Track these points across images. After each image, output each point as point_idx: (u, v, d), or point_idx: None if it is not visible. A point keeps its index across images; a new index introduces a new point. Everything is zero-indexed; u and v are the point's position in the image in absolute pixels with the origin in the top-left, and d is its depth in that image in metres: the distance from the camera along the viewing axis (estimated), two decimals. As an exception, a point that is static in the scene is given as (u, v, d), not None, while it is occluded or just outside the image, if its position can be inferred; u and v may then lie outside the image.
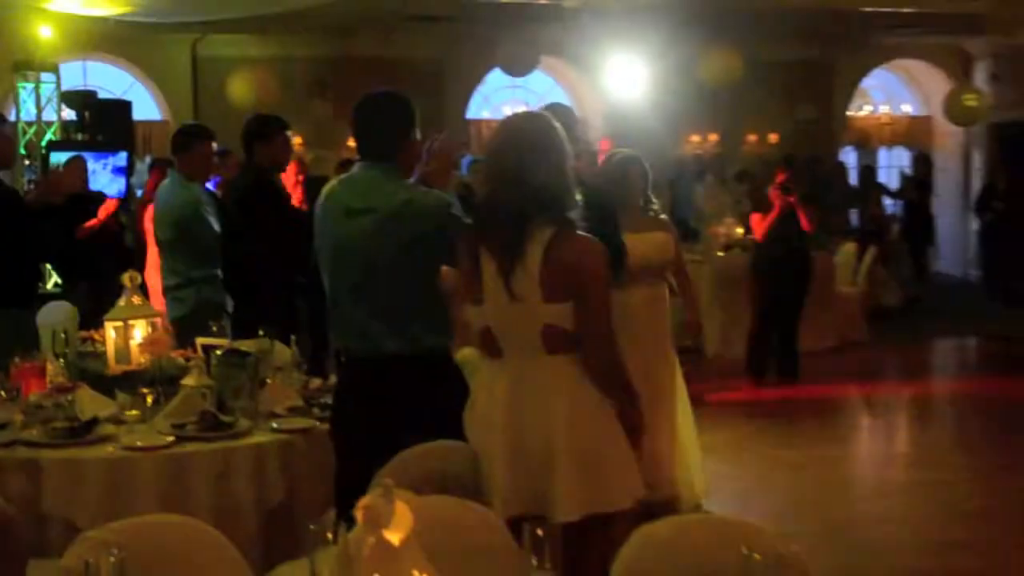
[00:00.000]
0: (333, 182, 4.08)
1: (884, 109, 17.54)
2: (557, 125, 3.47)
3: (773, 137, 15.51)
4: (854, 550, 5.60)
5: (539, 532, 2.24)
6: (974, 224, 16.49)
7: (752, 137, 15.44)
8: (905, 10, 13.51)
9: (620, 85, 13.32)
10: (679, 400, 5.99)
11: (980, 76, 16.51)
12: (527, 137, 3.42)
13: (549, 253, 3.27)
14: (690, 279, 6.37)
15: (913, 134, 17.42)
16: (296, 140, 11.19)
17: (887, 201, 15.81)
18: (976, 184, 16.61)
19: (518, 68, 13.31)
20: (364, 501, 1.86)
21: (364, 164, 3.93)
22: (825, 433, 8.13)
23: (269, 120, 6.27)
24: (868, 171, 16.05)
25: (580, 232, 3.35)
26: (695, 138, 15.29)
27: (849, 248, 12.19)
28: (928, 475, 7.14)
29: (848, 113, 16.69)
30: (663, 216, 6.18)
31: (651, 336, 5.79)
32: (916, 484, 6.97)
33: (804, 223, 9.70)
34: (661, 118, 13.18)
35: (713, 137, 15.32)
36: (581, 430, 3.28)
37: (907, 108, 17.76)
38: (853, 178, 16.27)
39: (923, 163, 16.22)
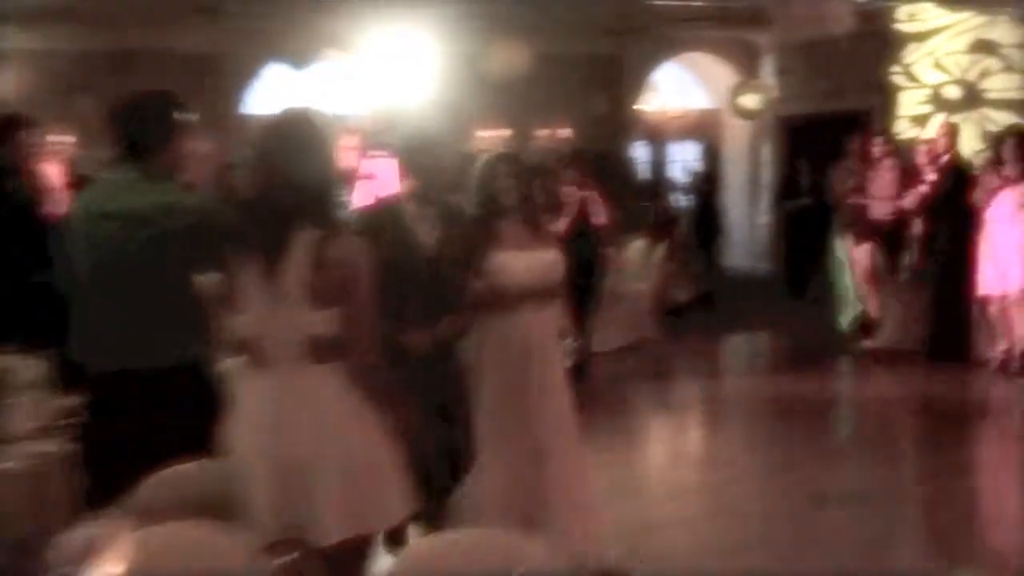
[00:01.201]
0: (91, 185, 3.97)
1: (674, 103, 18.01)
2: (324, 123, 3.44)
3: (564, 132, 15.72)
4: (644, 555, 5.70)
5: (296, 555, 2.20)
6: (763, 218, 17.12)
7: (543, 132, 15.62)
8: (694, 3, 13.92)
9: (405, 78, 13.30)
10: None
11: (767, 70, 17.11)
12: (294, 135, 3.38)
13: (315, 257, 3.24)
14: (589, 302, 6.01)
15: (703, 128, 17.91)
16: (63, 139, 10.79)
17: (677, 196, 16.28)
18: (766, 177, 17.23)
19: (298, 61, 13.14)
20: (86, 532, 1.79)
21: (122, 165, 3.82)
22: (616, 435, 8.27)
23: (1, 121, 6.00)
24: (659, 165, 16.49)
25: (348, 233, 3.33)
26: (485, 134, 15.37)
27: (639, 244, 12.46)
28: (717, 476, 7.35)
29: (638, 107, 17.05)
30: (547, 228, 5.60)
31: (543, 367, 5.22)
32: (705, 485, 7.17)
33: (599, 220, 9.91)
34: (449, 113, 13.22)
35: (503, 132, 15.44)
36: (346, 445, 3.25)
37: (697, 102, 18.27)
38: (645, 173, 16.69)
39: (711, 157, 16.72)
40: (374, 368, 3.32)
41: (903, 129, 14.58)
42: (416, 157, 4.72)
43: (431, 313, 4.63)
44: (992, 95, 13.79)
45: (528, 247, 5.17)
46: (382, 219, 4.74)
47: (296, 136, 3.36)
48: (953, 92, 14.11)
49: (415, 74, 13.22)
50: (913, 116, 14.61)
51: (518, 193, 5.18)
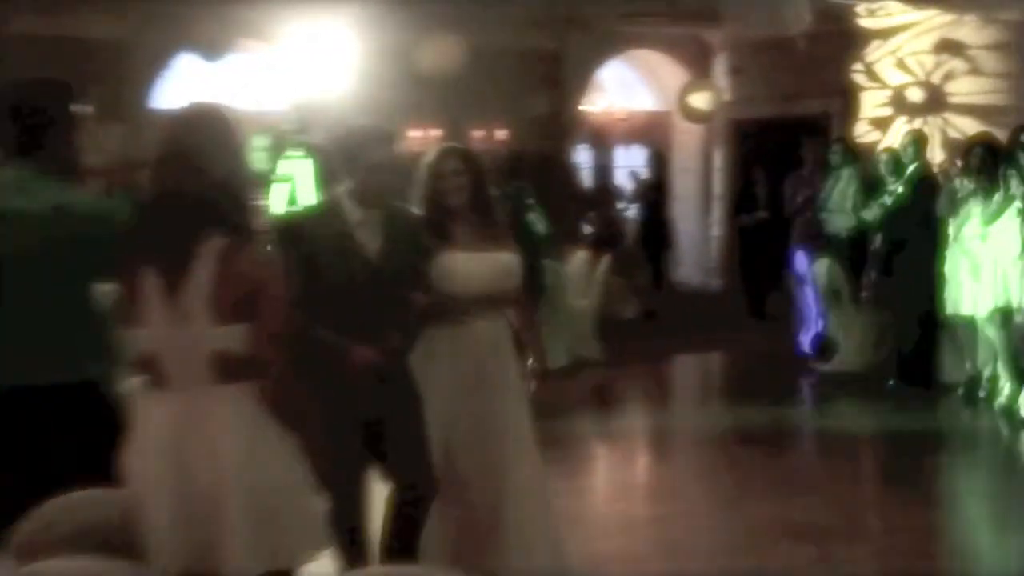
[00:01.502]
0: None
1: (620, 104, 18.08)
2: (236, 119, 3.41)
3: (502, 133, 15.73)
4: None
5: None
6: (715, 229, 17.23)
7: (478, 133, 15.61)
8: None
9: (327, 73, 13.24)
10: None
11: (720, 69, 17.23)
12: (201, 131, 3.34)
13: (221, 267, 3.22)
14: (534, 315, 5.80)
15: (651, 131, 17.98)
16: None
17: (623, 205, 16.34)
18: (718, 185, 17.35)
19: (211, 52, 13.03)
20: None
21: (10, 162, 3.76)
22: (555, 465, 8.21)
23: None
24: (604, 171, 16.54)
25: (259, 243, 3.30)
26: (415, 133, 15.33)
27: (582, 256, 12.49)
28: (665, 509, 7.37)
29: (581, 108, 17.10)
30: (504, 229, 5.42)
31: (498, 384, 5.15)
32: (652, 519, 7.18)
33: (537, 230, 9.95)
34: (375, 110, 13.17)
35: (435, 132, 15.41)
36: (256, 472, 3.22)
37: (644, 103, 18.35)
38: (588, 179, 16.75)
39: (659, 163, 16.78)
40: (287, 389, 3.28)
41: (863, 132, 14.76)
42: (352, 155, 4.67)
43: (376, 326, 4.59)
44: (956, 99, 14.00)
45: (479, 248, 5.10)
46: (318, 223, 4.70)
47: (203, 133, 3.32)
48: (916, 95, 14.31)
49: (337, 69, 13.17)
50: (873, 119, 14.79)
51: (469, 191, 5.12)
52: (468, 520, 5.05)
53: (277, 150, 9.09)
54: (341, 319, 4.51)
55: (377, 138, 4.72)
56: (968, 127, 13.24)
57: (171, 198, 3.29)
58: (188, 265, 3.22)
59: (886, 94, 14.64)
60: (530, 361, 5.39)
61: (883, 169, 11.04)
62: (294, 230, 4.74)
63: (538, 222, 10.25)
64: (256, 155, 8.25)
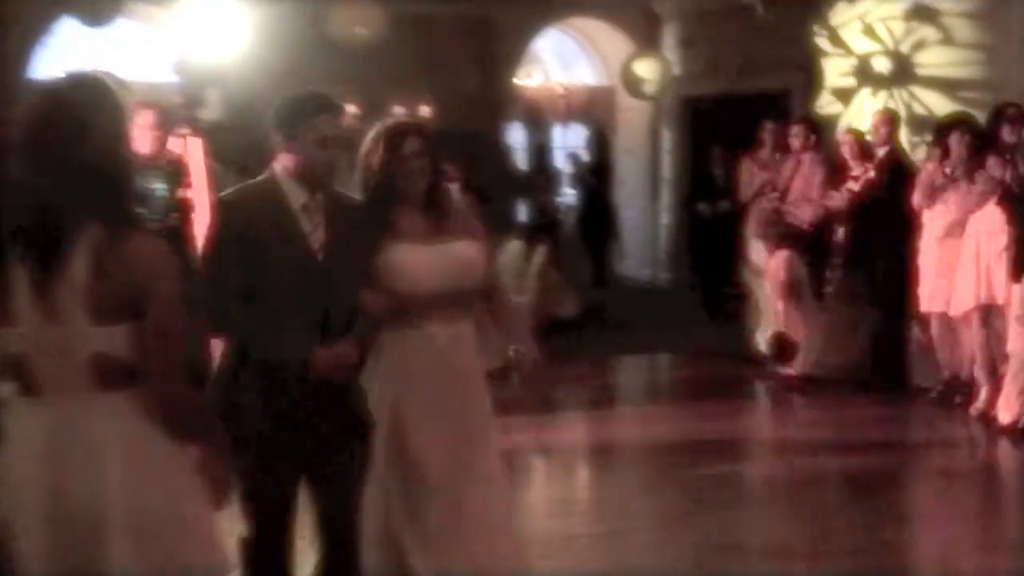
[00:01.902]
0: None
1: (559, 78, 18.10)
2: (118, 92, 3.36)
3: (426, 109, 15.69)
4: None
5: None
6: (664, 217, 17.28)
7: (399, 109, 15.56)
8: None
9: (229, 41, 13.10)
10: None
11: (669, 41, 17.27)
12: (77, 106, 3.29)
13: (99, 259, 3.19)
14: (507, 304, 5.62)
15: (593, 108, 18.04)
16: None
17: (562, 190, 16.36)
18: (666, 169, 17.40)
19: (96, 16, 12.90)
20: None
21: None
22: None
23: None
24: (540, 152, 16.54)
25: (145, 232, 3.25)
26: (328, 110, 15.28)
27: (515, 247, 12.47)
28: (608, 526, 7.38)
29: (516, 81, 17.10)
30: (467, 215, 5.28)
31: (462, 390, 5.06)
32: (595, 537, 7.19)
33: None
34: (281, 84, 13.06)
35: (351, 108, 15.34)
36: (141, 488, 3.19)
37: (585, 77, 18.38)
38: (523, 160, 16.74)
39: (602, 143, 16.80)
40: (180, 397, 3.23)
41: (824, 103, 14.84)
42: (292, 127, 4.48)
43: (323, 330, 4.48)
44: (925, 71, 14.13)
45: (434, 239, 4.97)
46: (254, 207, 4.52)
47: (80, 106, 3.27)
48: (882, 64, 14.44)
49: (236, 38, 13.03)
50: (835, 89, 14.89)
51: (428, 175, 4.97)
52: (430, 518, 4.95)
53: (165, 127, 8.92)
54: (282, 320, 4.40)
55: (323, 108, 4.52)
56: (935, 102, 13.38)
57: (40, 182, 3.23)
58: (62, 256, 3.17)
59: (851, 62, 14.73)
60: (513, 349, 5.43)
61: (849, 152, 11.08)
62: (227, 214, 4.56)
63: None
64: (141, 133, 8.13)
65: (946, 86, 13.81)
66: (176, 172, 8.70)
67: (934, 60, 14.10)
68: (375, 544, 4.81)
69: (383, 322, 4.81)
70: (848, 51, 14.76)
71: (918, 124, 12.99)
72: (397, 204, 4.93)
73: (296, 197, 4.51)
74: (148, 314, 3.19)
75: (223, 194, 4.75)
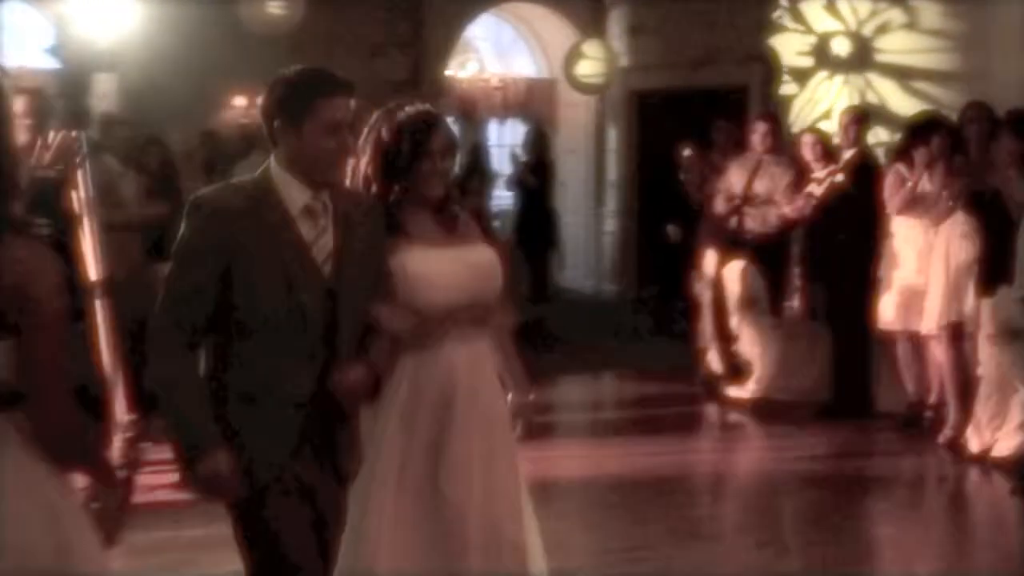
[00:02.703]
0: None
1: (495, 69, 18.08)
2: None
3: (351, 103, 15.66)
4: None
5: None
6: (609, 224, 17.29)
7: (319, 102, 15.55)
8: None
9: (119, 22, 13.00)
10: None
11: (616, 30, 17.30)
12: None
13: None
14: (507, 329, 5.14)
15: (532, 103, 18.00)
16: None
17: (498, 192, 16.33)
18: (612, 170, 17.39)
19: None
20: None
21: None
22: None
23: None
24: (474, 151, 16.49)
25: (29, 237, 3.22)
26: (239, 102, 15.20)
27: (445, 256, 12.41)
28: (547, 563, 7.38)
29: (447, 72, 17.07)
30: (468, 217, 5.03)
31: (484, 415, 4.76)
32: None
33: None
34: (188, 74, 13.01)
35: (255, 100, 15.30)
36: (22, 522, 3.16)
37: (525, 69, 18.36)
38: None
39: (541, 141, 16.78)
40: (64, 421, 3.24)
41: (781, 85, 14.95)
42: (294, 112, 4.17)
43: (334, 355, 4.26)
44: (885, 57, 14.25)
45: (448, 243, 4.76)
46: (244, 210, 4.19)
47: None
48: (842, 46, 14.54)
49: (130, 18, 12.93)
50: (792, 68, 14.98)
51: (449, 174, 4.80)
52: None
53: (40, 117, 8.79)
54: (277, 348, 4.16)
55: (333, 87, 4.22)
56: (891, 92, 13.49)
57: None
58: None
59: (809, 41, 14.83)
60: (512, 403, 4.99)
61: (811, 153, 11.11)
62: (202, 219, 4.17)
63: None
64: (19, 124, 8.01)
65: (906, 75, 13.94)
66: (58, 172, 8.58)
67: (896, 46, 14.23)
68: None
69: (398, 341, 4.57)
70: (808, 29, 14.87)
71: (872, 115, 13.07)
72: (408, 204, 4.71)
73: (296, 198, 4.22)
74: (31, 330, 3.16)
75: (199, 193, 4.29)
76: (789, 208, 11.08)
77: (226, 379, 4.19)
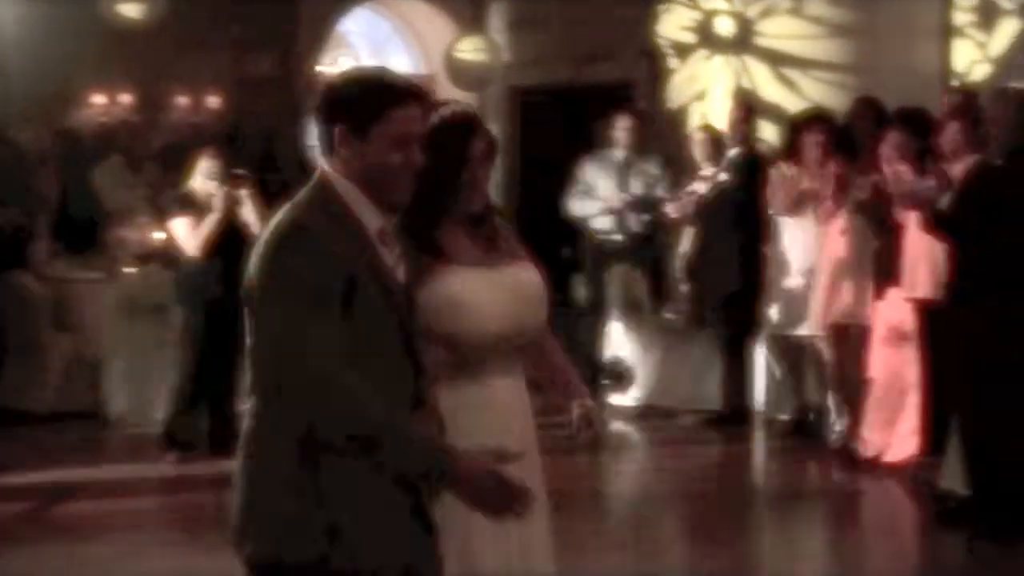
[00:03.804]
0: None
1: (370, 64, 18.06)
2: None
3: (214, 99, 15.53)
4: None
5: None
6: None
7: (183, 99, 15.38)
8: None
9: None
10: None
11: (497, 23, 17.32)
12: None
13: None
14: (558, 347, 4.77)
15: (410, 100, 18.01)
16: None
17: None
18: (494, 170, 17.40)
19: None
20: None
21: None
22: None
23: None
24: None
25: None
26: (98, 99, 15.03)
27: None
28: None
29: (320, 68, 17.01)
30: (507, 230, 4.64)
31: (526, 457, 4.29)
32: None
33: (252, 227, 9.86)
34: (41, 69, 12.84)
35: (125, 98, 15.12)
36: None
37: (402, 64, 18.35)
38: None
39: (419, 141, 16.79)
40: None
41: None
42: (362, 122, 3.76)
43: (417, 397, 3.86)
44: (765, 42, 14.39)
45: (489, 263, 4.40)
46: (337, 233, 3.71)
47: None
48: (725, 26, 14.67)
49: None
50: (673, 42, 15.10)
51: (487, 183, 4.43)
52: None
53: None
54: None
55: (408, 95, 3.81)
56: (767, 80, 13.63)
57: None
58: None
59: (693, 16, 14.95)
60: (578, 407, 4.55)
61: (700, 152, 11.16)
62: (318, 249, 3.64)
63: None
64: None
65: (779, 62, 14.07)
66: None
67: (780, 31, 14.36)
68: None
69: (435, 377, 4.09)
70: (693, 4, 14.98)
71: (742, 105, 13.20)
72: (443, 219, 4.34)
73: (370, 219, 3.77)
74: None
75: (295, 218, 3.70)
76: (672, 207, 11.11)
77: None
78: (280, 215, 3.72)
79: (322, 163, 3.81)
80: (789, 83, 13.46)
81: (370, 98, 3.77)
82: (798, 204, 10.00)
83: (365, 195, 3.75)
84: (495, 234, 4.46)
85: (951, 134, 8.64)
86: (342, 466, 3.63)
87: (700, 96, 14.59)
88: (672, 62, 14.94)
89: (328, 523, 3.63)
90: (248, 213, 9.95)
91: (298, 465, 3.65)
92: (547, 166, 13.87)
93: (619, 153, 11.68)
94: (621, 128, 11.72)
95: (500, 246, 4.45)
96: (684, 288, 11.18)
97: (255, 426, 3.77)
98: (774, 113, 13.00)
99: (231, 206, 9.86)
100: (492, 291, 4.32)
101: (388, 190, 3.78)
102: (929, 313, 8.81)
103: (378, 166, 3.75)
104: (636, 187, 11.45)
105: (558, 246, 12.52)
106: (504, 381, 4.42)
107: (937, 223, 8.28)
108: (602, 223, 11.53)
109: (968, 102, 9.71)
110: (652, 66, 15.45)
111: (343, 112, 3.76)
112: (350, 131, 3.73)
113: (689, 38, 14.91)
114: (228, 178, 10.04)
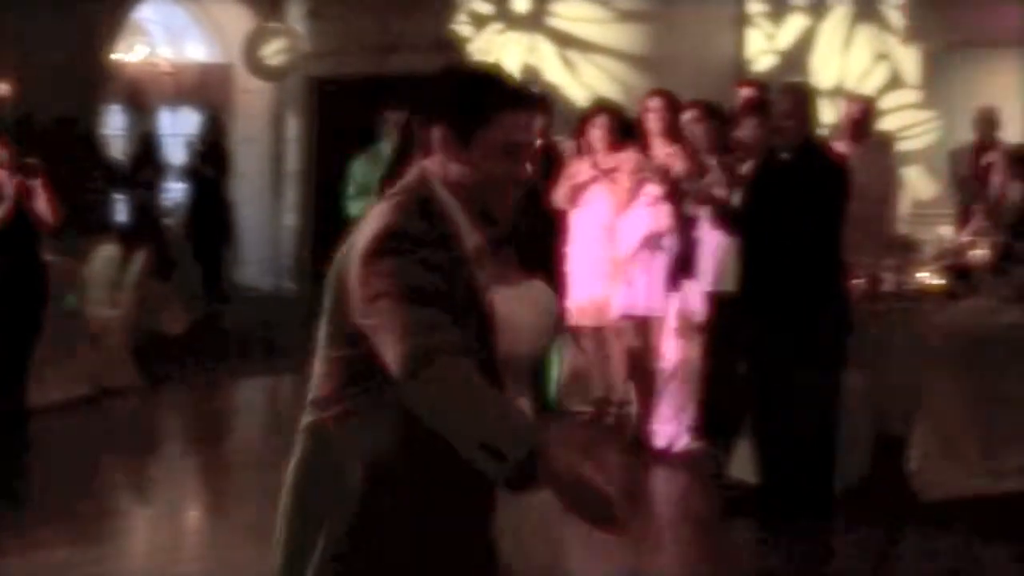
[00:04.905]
0: None
1: (167, 53, 17.84)
2: None
3: (4, 87, 15.26)
4: None
5: None
6: (289, 218, 17.22)
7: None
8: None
9: None
10: None
11: (295, 13, 17.26)
12: None
13: None
14: None
15: (207, 90, 17.84)
16: None
17: (170, 184, 16.13)
18: (292, 161, 17.33)
19: None
20: None
21: None
22: (74, 521, 8.05)
23: None
24: (146, 140, 16.26)
25: None
26: None
27: (109, 253, 12.24)
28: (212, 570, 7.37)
29: (115, 56, 16.78)
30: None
31: None
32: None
33: (44, 217, 9.72)
34: None
35: None
36: None
37: (198, 53, 18.18)
38: (122, 150, 16.42)
39: (216, 130, 16.64)
40: None
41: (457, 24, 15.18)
42: (470, 125, 3.37)
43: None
44: (552, 22, 14.53)
45: (508, 279, 4.26)
46: (437, 243, 3.28)
47: None
48: (521, 3, 14.77)
49: None
50: (470, 11, 15.18)
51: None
52: None
53: None
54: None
55: (521, 100, 3.43)
56: (554, 62, 13.78)
57: None
58: None
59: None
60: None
61: None
62: (426, 256, 3.20)
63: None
64: None
65: (571, 45, 14.22)
66: None
67: (568, 12, 14.50)
68: None
69: None
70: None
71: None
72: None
73: (466, 233, 3.37)
74: None
75: (398, 222, 3.27)
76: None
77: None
78: (377, 218, 3.29)
79: (421, 165, 3.41)
80: (573, 66, 13.62)
81: (477, 99, 3.38)
82: (575, 196, 10.07)
83: (462, 206, 3.36)
84: (507, 243, 4.34)
85: (749, 128, 8.80)
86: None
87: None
88: (467, 31, 15.05)
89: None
90: (39, 202, 9.81)
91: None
92: (346, 157, 13.83)
93: (388, 147, 11.54)
94: (392, 122, 11.32)
95: (511, 258, 4.39)
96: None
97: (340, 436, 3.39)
98: (559, 97, 13.16)
99: (22, 194, 9.72)
100: (523, 310, 4.22)
101: (488, 203, 3.40)
102: (720, 305, 8.99)
103: (480, 176, 3.36)
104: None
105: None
106: (520, 400, 4.24)
107: (726, 217, 8.45)
108: None
109: (762, 96, 9.89)
110: (451, 56, 15.50)
111: (445, 112, 3.38)
112: (451, 134, 3.35)
113: (487, 10, 15.02)
114: (19, 167, 9.88)
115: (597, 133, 10.03)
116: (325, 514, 3.40)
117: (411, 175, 3.39)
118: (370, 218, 3.33)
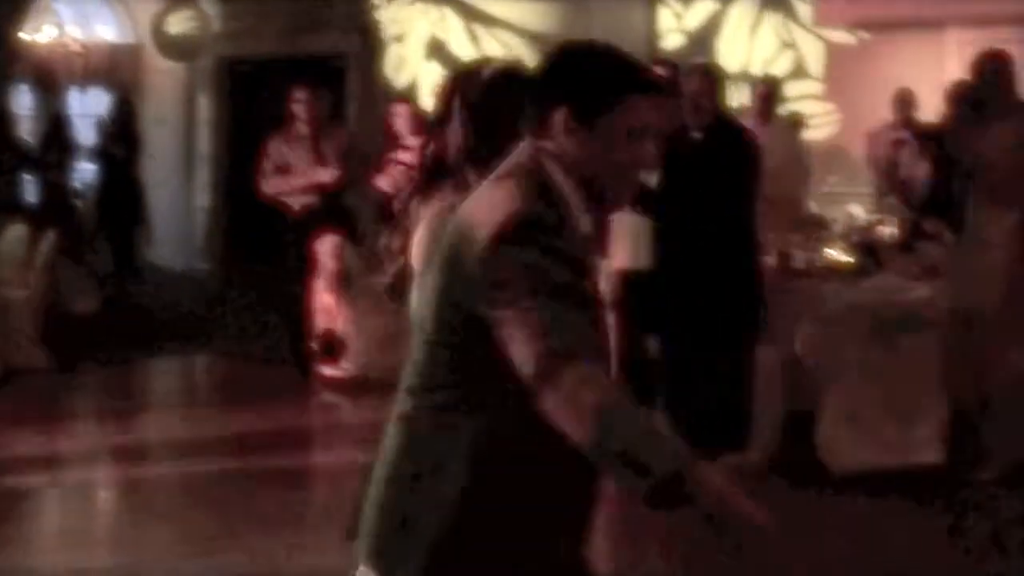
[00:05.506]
0: None
1: (76, 33, 17.68)
2: None
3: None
4: None
5: None
6: (201, 199, 17.14)
7: None
8: None
9: None
10: None
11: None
12: None
13: None
14: None
15: (117, 70, 17.75)
16: None
17: (79, 163, 15.99)
18: (204, 143, 17.26)
19: None
20: None
21: None
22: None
23: None
24: (55, 120, 16.11)
25: None
26: None
27: (18, 233, 12.13)
28: (125, 558, 7.32)
29: (22, 36, 16.63)
30: None
31: None
32: (108, 572, 7.11)
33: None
34: None
35: None
36: None
37: (108, 33, 18.04)
38: (30, 129, 16.25)
39: (128, 111, 16.54)
40: None
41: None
42: (593, 106, 3.21)
43: None
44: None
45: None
46: (559, 231, 3.11)
47: None
48: None
49: None
50: None
51: None
52: None
53: None
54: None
55: (648, 83, 3.29)
56: (460, 36, 13.84)
57: None
58: None
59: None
60: None
61: (402, 125, 11.25)
62: (556, 246, 3.04)
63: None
64: None
65: (478, 19, 14.26)
66: None
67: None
68: None
69: None
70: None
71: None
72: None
73: (583, 221, 3.20)
74: None
75: (529, 208, 3.07)
76: (383, 180, 11.14)
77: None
78: (501, 202, 3.09)
79: (536, 145, 3.22)
80: (480, 42, 13.65)
81: (605, 81, 3.22)
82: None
83: (579, 192, 3.18)
84: None
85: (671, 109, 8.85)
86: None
87: (398, 39, 14.80)
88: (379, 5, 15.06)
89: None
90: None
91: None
92: (257, 138, 13.76)
93: (303, 127, 11.55)
94: (300, 101, 11.56)
95: None
96: (398, 261, 11.17)
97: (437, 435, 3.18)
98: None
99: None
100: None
101: (608, 188, 3.23)
102: (631, 284, 9.02)
103: (602, 162, 3.20)
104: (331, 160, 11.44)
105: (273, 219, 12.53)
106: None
107: (640, 197, 8.46)
108: (299, 199, 11.48)
109: (674, 76, 9.90)
110: (366, 38, 15.48)
111: (569, 93, 3.21)
112: (574, 116, 3.17)
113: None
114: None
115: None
116: (419, 519, 3.16)
117: (522, 156, 3.21)
118: (485, 200, 3.14)
